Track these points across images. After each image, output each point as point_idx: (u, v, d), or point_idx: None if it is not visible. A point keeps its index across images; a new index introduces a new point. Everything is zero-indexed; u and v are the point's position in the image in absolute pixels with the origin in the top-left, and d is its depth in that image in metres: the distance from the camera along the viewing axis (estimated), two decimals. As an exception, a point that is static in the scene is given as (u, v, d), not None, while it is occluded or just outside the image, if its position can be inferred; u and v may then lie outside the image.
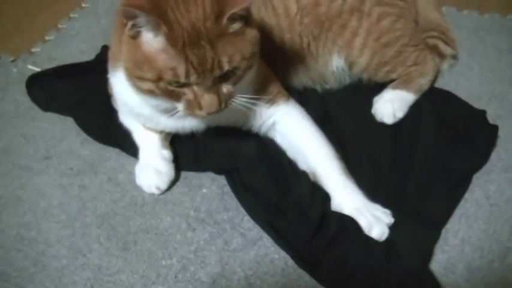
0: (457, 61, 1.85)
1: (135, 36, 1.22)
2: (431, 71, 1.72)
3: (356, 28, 1.63)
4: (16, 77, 1.90)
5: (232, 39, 1.22)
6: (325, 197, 1.39)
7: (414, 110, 1.64)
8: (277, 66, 1.61)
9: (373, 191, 1.40)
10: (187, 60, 1.19)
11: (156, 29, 1.19)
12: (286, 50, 1.63)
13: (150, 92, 1.26)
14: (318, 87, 1.73)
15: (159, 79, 1.22)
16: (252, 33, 1.27)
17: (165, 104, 1.31)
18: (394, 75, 1.69)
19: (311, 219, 1.33)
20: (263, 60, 1.50)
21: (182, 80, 1.21)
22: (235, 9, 1.18)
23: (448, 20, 1.91)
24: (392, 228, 1.34)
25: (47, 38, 2.09)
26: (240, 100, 1.33)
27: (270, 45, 1.60)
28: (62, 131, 1.70)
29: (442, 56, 1.78)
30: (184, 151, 1.57)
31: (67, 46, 2.05)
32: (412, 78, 1.68)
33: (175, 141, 1.57)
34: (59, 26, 2.16)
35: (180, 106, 1.29)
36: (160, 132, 1.54)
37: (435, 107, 1.62)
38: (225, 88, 1.28)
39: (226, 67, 1.22)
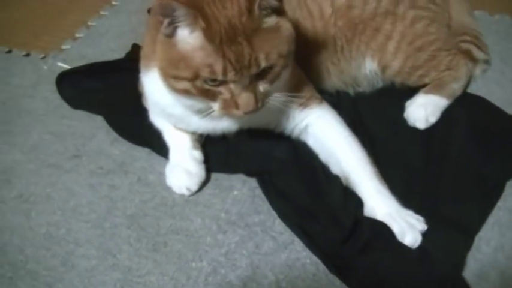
0: (490, 66, 1.83)
1: (171, 35, 1.22)
2: (465, 76, 1.70)
3: (390, 31, 1.61)
4: (46, 74, 1.91)
5: (268, 36, 1.22)
6: (358, 202, 1.38)
7: (447, 115, 1.62)
8: (311, 68, 1.61)
9: (405, 196, 1.38)
10: (225, 57, 1.18)
11: (193, 24, 1.18)
12: (321, 52, 1.62)
13: (185, 92, 1.26)
14: (351, 90, 1.72)
15: (195, 77, 1.21)
16: (287, 30, 1.27)
17: (199, 104, 1.31)
18: (427, 80, 1.67)
19: (344, 224, 1.32)
20: (297, 62, 1.49)
21: (220, 77, 1.20)
22: None
23: (480, 25, 1.89)
24: (425, 235, 1.32)
25: (76, 35, 2.10)
26: (276, 99, 1.32)
27: (305, 47, 1.58)
28: (92, 129, 1.70)
29: (474, 60, 1.76)
30: (216, 152, 1.56)
31: (97, 44, 2.05)
32: (445, 82, 1.66)
33: (207, 143, 1.57)
34: (89, 23, 2.17)
35: (216, 106, 1.28)
36: (192, 133, 1.54)
37: (468, 112, 1.60)
38: (262, 87, 1.27)
39: (263, 64, 1.22)
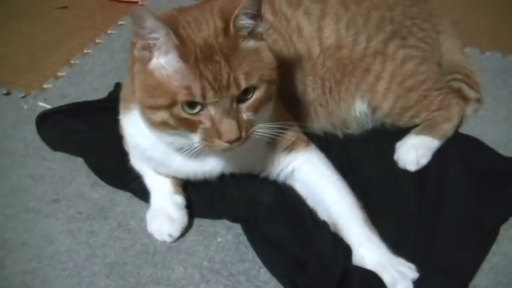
0: (482, 105, 1.79)
1: (146, 61, 1.19)
2: (456, 115, 1.66)
3: (379, 72, 1.58)
4: (26, 114, 1.85)
5: (247, 56, 1.19)
6: (347, 250, 1.32)
7: (439, 156, 1.58)
8: (298, 110, 1.56)
9: (397, 243, 1.33)
10: (202, 76, 1.15)
11: (166, 42, 1.16)
12: (308, 93, 1.58)
13: (164, 124, 1.21)
14: (339, 133, 1.67)
15: (173, 103, 1.17)
16: (267, 56, 1.25)
17: (180, 139, 1.26)
18: (417, 120, 1.63)
19: (332, 274, 1.25)
20: (283, 103, 1.46)
21: (198, 98, 1.16)
22: (236, 12, 1.16)
23: (471, 62, 1.86)
24: (417, 283, 1.26)
25: (59, 74, 2.05)
26: (261, 132, 1.27)
27: (291, 87, 1.56)
28: (72, 172, 1.64)
29: (466, 99, 1.73)
30: (199, 197, 1.50)
31: (80, 83, 2.01)
32: (436, 123, 1.62)
33: (189, 188, 1.51)
34: (72, 62, 2.12)
35: (197, 138, 1.23)
36: (173, 177, 1.48)
37: (461, 154, 1.56)
38: (245, 115, 1.22)
39: (243, 84, 1.18)
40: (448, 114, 1.64)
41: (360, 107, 1.61)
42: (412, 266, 1.28)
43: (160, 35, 1.16)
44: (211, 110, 1.19)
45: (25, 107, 1.89)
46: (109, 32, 2.29)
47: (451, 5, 2.04)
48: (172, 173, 1.46)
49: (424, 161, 1.56)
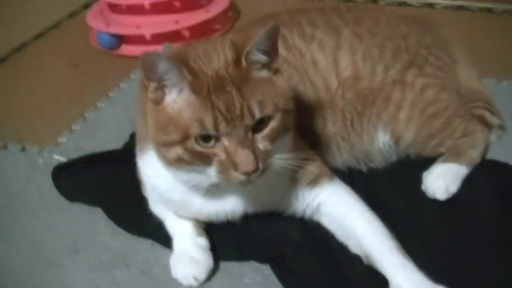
0: (505, 132, 1.74)
1: (159, 100, 1.18)
2: (482, 142, 1.62)
3: (400, 100, 1.55)
4: (42, 167, 1.82)
5: (260, 86, 1.17)
6: (382, 281, 1.26)
7: (468, 183, 1.53)
8: (320, 145, 1.53)
9: (432, 272, 1.25)
10: (214, 108, 1.12)
11: (180, 80, 1.14)
12: (328, 127, 1.55)
13: (179, 161, 1.18)
14: (363, 167, 1.62)
15: (186, 137, 1.14)
16: (282, 85, 1.23)
17: (197, 176, 1.23)
18: (442, 149, 1.59)
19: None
20: (303, 138, 1.43)
21: (211, 130, 1.13)
22: (248, 47, 1.15)
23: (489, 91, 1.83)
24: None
25: (73, 127, 2.03)
26: (280, 162, 1.23)
27: (311, 123, 1.52)
28: (90, 222, 1.60)
29: (489, 126, 1.69)
30: (223, 240, 1.45)
31: (94, 136, 1.98)
32: (462, 150, 1.58)
33: (213, 230, 1.46)
34: (86, 115, 2.10)
35: (213, 172, 1.19)
36: (194, 219, 1.44)
37: (490, 178, 1.52)
38: (261, 144, 1.18)
39: (257, 113, 1.15)
40: (473, 141, 1.60)
41: (382, 138, 1.58)
42: None
43: (173, 75, 1.15)
44: (226, 142, 1.15)
45: (40, 161, 1.87)
46: (121, 85, 2.29)
47: (462, 36, 2.01)
48: (194, 215, 1.41)
49: (453, 188, 1.51)
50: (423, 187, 1.54)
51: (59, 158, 1.85)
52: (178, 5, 2.58)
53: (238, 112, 1.13)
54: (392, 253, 1.28)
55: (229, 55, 1.17)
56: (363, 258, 1.32)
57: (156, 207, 1.50)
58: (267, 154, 1.19)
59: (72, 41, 2.82)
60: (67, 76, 2.48)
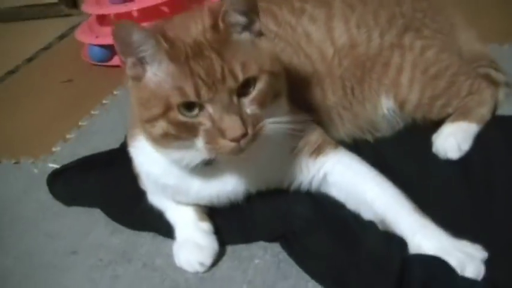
0: (512, 90, 1.66)
1: (139, 76, 1.13)
2: (490, 98, 1.54)
3: (400, 64, 1.48)
4: (37, 177, 1.76)
5: (242, 48, 1.12)
6: (401, 243, 1.17)
7: (480, 141, 1.45)
8: (320, 117, 1.45)
9: (453, 232, 1.17)
10: (194, 74, 1.07)
11: (156, 51, 1.09)
12: (328, 97, 1.47)
13: (165, 136, 1.13)
14: (369, 137, 1.55)
15: (168, 108, 1.09)
16: (266, 46, 1.18)
17: (188, 153, 1.17)
18: (450, 110, 1.51)
19: (390, 271, 1.10)
20: (302, 109, 1.35)
21: (192, 97, 1.07)
22: (223, 8, 1.10)
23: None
24: (487, 264, 1.11)
25: (68, 136, 1.98)
26: (273, 126, 1.15)
27: (310, 95, 1.45)
28: (89, 224, 1.52)
29: (495, 83, 1.60)
30: (228, 223, 1.37)
31: (90, 141, 1.92)
32: (470, 108, 1.50)
33: (216, 215, 1.38)
34: (81, 123, 2.05)
35: (200, 142, 1.12)
36: (195, 205, 1.37)
37: (504, 134, 1.44)
38: (249, 109, 1.11)
39: (240, 75, 1.08)
40: (480, 98, 1.52)
41: (386, 104, 1.50)
42: (477, 246, 1.13)
43: (149, 46, 1.09)
44: (210, 109, 1.09)
45: (35, 171, 1.81)
46: (115, 92, 2.23)
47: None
48: (193, 199, 1.34)
49: (465, 146, 1.43)
50: (434, 149, 1.46)
51: (54, 166, 1.78)
52: (167, 10, 2.54)
53: (219, 75, 1.07)
54: (408, 213, 1.20)
55: (207, 21, 1.12)
56: (378, 223, 1.24)
57: (155, 199, 1.43)
58: (256, 119, 1.12)
59: (64, 60, 2.82)
60: (60, 92, 2.44)
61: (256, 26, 1.17)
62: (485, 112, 1.51)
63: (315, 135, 1.34)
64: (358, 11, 1.52)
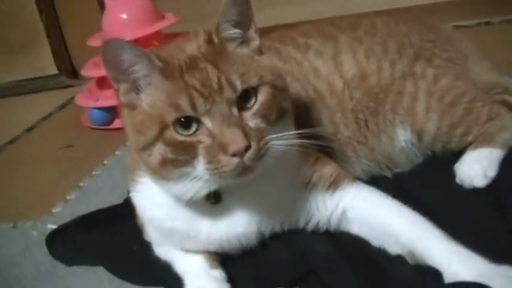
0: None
1: (133, 104, 1.07)
2: (511, 123, 1.45)
3: (414, 92, 1.42)
4: (36, 239, 1.65)
5: (240, 60, 1.07)
6: (435, 274, 1.06)
7: (507, 167, 1.35)
8: (335, 154, 1.37)
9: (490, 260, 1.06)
10: (189, 86, 1.00)
11: (150, 70, 1.04)
12: (341, 131, 1.40)
13: (164, 164, 1.05)
14: (388, 173, 1.46)
15: (163, 128, 1.02)
16: (267, 62, 1.13)
17: (190, 183, 1.07)
18: (470, 138, 1.43)
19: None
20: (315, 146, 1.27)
21: (188, 111, 1.01)
22: (216, 21, 1.07)
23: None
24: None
25: (68, 197, 1.89)
26: (280, 142, 1.07)
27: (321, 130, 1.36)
28: (92, 283, 1.41)
29: None
30: (242, 270, 1.26)
31: (91, 201, 1.82)
32: (492, 134, 1.42)
33: (229, 263, 1.28)
34: (81, 184, 1.97)
35: (201, 164, 1.03)
36: (205, 252, 1.26)
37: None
38: (252, 122, 1.04)
39: (239, 85, 1.02)
40: (501, 124, 1.44)
41: (403, 135, 1.43)
42: None
43: (141, 65, 1.04)
44: (208, 123, 1.02)
45: (34, 233, 1.70)
46: (117, 153, 2.15)
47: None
48: (203, 245, 1.24)
49: (491, 172, 1.34)
50: (458, 179, 1.37)
51: (53, 227, 1.67)
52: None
53: (215, 86, 1.01)
54: (440, 240, 1.10)
55: (201, 38, 1.08)
56: (407, 256, 1.13)
57: (162, 250, 1.33)
58: (261, 133, 1.04)
59: (64, 127, 2.77)
60: (60, 157, 2.36)
61: (255, 43, 1.12)
62: (508, 137, 1.43)
63: (330, 169, 1.26)
64: (366, 43, 1.48)
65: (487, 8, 2.60)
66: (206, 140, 1.02)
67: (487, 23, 2.54)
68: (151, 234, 1.32)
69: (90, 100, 2.54)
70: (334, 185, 1.24)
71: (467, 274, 1.02)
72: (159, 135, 1.03)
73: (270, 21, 2.22)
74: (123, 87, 1.07)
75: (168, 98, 1.02)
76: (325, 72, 1.44)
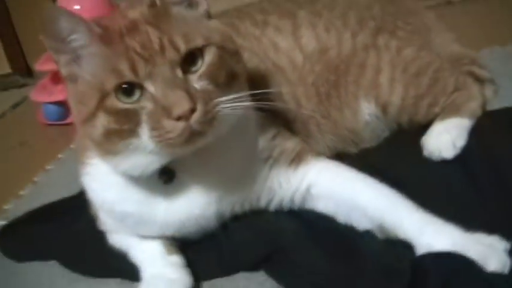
0: (499, 86, 1.53)
1: (75, 75, 1.01)
2: (478, 93, 1.42)
3: (377, 64, 1.37)
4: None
5: (184, 21, 1.00)
6: (408, 247, 1.00)
7: (476, 136, 1.31)
8: (298, 128, 1.31)
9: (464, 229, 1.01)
10: (129, 50, 0.94)
11: (91, 38, 0.97)
12: (303, 105, 1.34)
13: (108, 135, 0.98)
14: (353, 149, 1.40)
15: (104, 95, 0.96)
16: (216, 25, 1.07)
17: (138, 156, 1.00)
18: (437, 109, 1.38)
19: (401, 276, 0.93)
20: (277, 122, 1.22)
21: (128, 76, 0.94)
22: None
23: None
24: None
25: (21, 193, 1.79)
26: (230, 105, 0.99)
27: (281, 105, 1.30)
28: (44, 278, 1.32)
29: (481, 80, 1.49)
30: (203, 255, 1.19)
31: (45, 196, 1.70)
32: (460, 104, 1.38)
33: (188, 249, 1.20)
34: (35, 179, 1.86)
35: (146, 133, 0.96)
36: (161, 237, 1.18)
37: (501, 123, 1.31)
38: (198, 84, 0.97)
39: (182, 46, 0.95)
40: (468, 93, 1.40)
41: (367, 108, 1.37)
42: (496, 237, 0.97)
43: (80, 34, 0.97)
44: (151, 87, 0.95)
45: (-17, 232, 1.58)
46: (72, 146, 2.05)
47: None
48: (159, 229, 1.15)
49: (460, 142, 1.29)
50: (426, 152, 1.31)
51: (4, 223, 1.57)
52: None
53: (157, 47, 0.94)
54: (410, 211, 1.04)
55: (145, 4, 1.01)
56: (377, 230, 1.08)
57: (117, 238, 1.24)
58: (208, 95, 0.97)
59: (18, 125, 2.64)
60: (13, 155, 2.24)
61: (203, 6, 1.06)
62: (475, 107, 1.38)
63: (292, 143, 1.19)
64: (325, 17, 1.43)
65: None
66: (149, 105, 0.95)
67: (449, 2, 2.50)
68: (105, 221, 1.23)
69: (44, 95, 2.44)
70: (297, 159, 1.18)
71: (441, 243, 0.97)
72: (100, 104, 0.96)
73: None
74: (63, 58, 1.00)
75: (108, 64, 0.95)
76: (285, 48, 1.38)
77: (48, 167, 1.95)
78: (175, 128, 0.93)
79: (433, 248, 0.97)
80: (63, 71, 1.01)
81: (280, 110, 1.28)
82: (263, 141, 1.15)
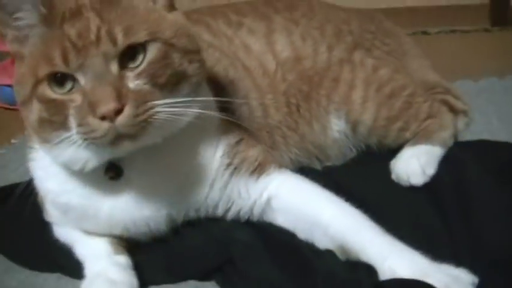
0: (472, 120, 1.51)
1: (21, 53, 0.95)
2: (451, 123, 1.39)
3: (351, 80, 1.33)
4: None
5: (133, 12, 0.93)
6: (369, 270, 0.96)
7: (446, 165, 1.27)
8: (262, 138, 1.26)
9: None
10: (64, 37, 0.88)
11: (33, 17, 0.92)
12: (271, 114, 1.29)
13: (41, 123, 0.94)
14: (317, 165, 1.36)
15: (37, 81, 0.91)
16: (175, 18, 0.99)
17: (77, 151, 0.94)
18: (408, 134, 1.35)
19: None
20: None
21: (59, 65, 0.88)
22: None
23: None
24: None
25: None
26: (169, 109, 0.92)
27: (250, 111, 1.26)
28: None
29: (454, 111, 1.46)
30: (151, 258, 1.12)
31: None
32: (431, 132, 1.34)
33: (137, 251, 1.13)
34: (-19, 164, 1.76)
35: (73, 127, 0.90)
36: (109, 235, 1.12)
37: (471, 154, 1.28)
38: (133, 83, 0.90)
39: (121, 39, 0.89)
40: (441, 122, 1.37)
41: (337, 125, 1.33)
42: (463, 269, 0.93)
43: (25, 12, 0.92)
44: (82, 80, 0.89)
45: None
46: (26, 133, 1.95)
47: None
48: (104, 226, 1.09)
49: (430, 170, 1.25)
50: (394, 176, 1.27)
51: None
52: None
53: (93, 37, 0.88)
54: (374, 233, 1.00)
55: None
56: (337, 251, 1.03)
57: (62, 231, 1.17)
58: (143, 96, 0.90)
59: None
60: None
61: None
62: (447, 136, 1.35)
63: (255, 151, 1.14)
64: (303, 25, 1.40)
65: (425, 19, 2.59)
66: (78, 99, 0.89)
67: (424, 32, 2.51)
68: (50, 212, 1.16)
69: (3, 77, 2.34)
70: (259, 169, 1.12)
71: (404, 270, 0.92)
72: (33, 90, 0.91)
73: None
74: (10, 34, 0.94)
75: (45, 50, 0.90)
76: (257, 50, 1.34)
77: (1, 151, 1.85)
78: (100, 127, 0.88)
79: (396, 274, 0.92)
80: (10, 47, 0.95)
81: (245, 115, 1.24)
82: (225, 146, 1.09)
